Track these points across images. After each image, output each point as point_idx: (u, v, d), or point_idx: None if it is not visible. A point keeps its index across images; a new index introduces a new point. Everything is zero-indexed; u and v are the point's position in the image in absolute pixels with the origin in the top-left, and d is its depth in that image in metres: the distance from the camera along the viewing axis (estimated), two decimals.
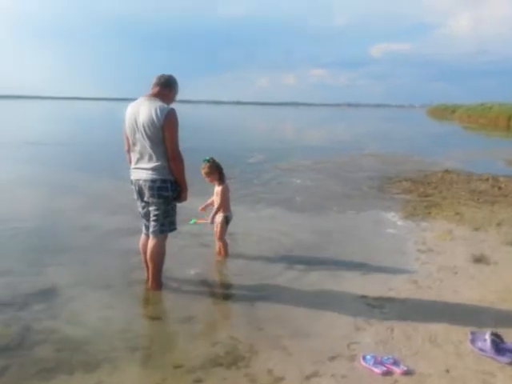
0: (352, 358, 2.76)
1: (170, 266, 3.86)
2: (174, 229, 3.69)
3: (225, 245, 4.49)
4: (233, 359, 2.68)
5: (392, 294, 3.73)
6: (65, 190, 7.74)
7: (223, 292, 3.82)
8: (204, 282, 3.91)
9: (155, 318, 3.24)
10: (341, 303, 3.56)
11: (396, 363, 2.69)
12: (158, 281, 3.62)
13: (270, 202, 7.02)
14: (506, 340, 2.93)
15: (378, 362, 2.69)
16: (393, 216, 6.29)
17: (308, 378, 2.56)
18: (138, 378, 2.52)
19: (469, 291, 3.77)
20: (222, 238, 4.46)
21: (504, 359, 2.75)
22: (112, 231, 5.23)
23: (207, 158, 4.35)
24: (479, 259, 4.52)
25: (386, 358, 2.73)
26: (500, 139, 22.89)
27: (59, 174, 9.42)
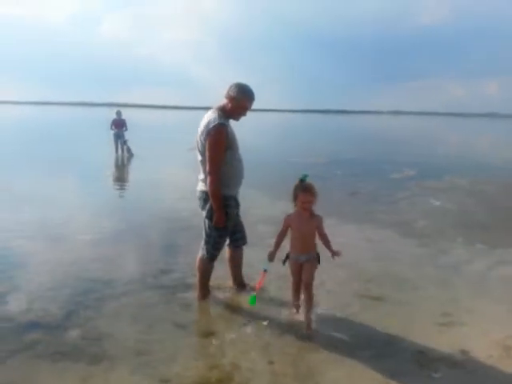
0: None
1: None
2: (207, 256, 3.53)
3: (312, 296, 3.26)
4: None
5: (460, 357, 2.91)
6: None
7: (258, 317, 3.46)
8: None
9: (179, 325, 3.27)
10: (387, 354, 2.96)
11: None
12: (200, 291, 3.65)
13: (383, 224, 6.31)
14: None
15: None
16: None
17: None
18: (123, 383, 2.59)
19: None
20: (311, 284, 3.21)
21: None
22: None
23: (304, 175, 3.15)
24: None
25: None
26: None
27: None
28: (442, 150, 19.44)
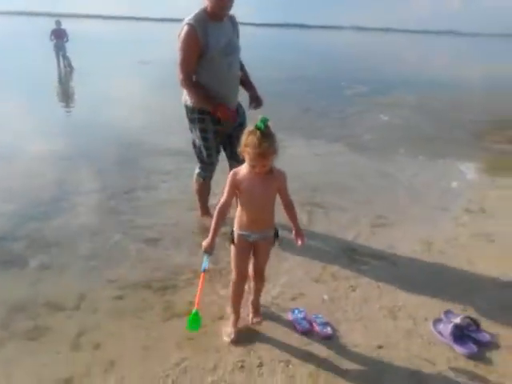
0: (286, 310, 2.53)
1: None
2: (198, 172, 3.39)
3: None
4: (163, 286, 2.69)
5: (389, 252, 3.23)
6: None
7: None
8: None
9: (151, 240, 3.30)
10: (322, 250, 3.23)
11: (324, 325, 2.38)
12: (201, 209, 3.61)
13: (331, 138, 6.49)
14: (483, 329, 2.36)
15: (305, 319, 2.42)
16: (467, 168, 5.30)
17: (220, 318, 2.44)
18: (70, 286, 2.68)
19: (487, 265, 3.05)
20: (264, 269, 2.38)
21: (461, 349, 2.22)
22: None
23: (264, 119, 1.98)
24: None
25: (317, 316, 2.44)
26: None
27: None
28: (396, 67, 19.54)
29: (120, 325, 2.35)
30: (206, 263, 2.18)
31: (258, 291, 2.43)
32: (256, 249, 2.25)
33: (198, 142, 3.23)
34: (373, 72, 16.49)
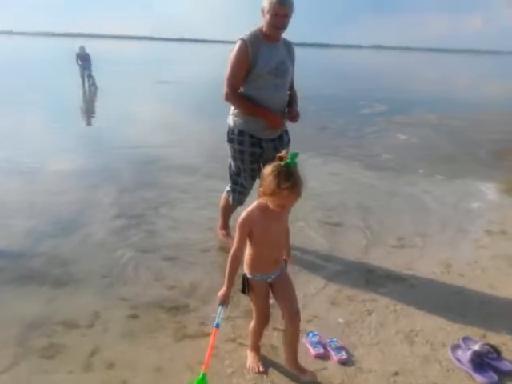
0: (300, 333, 2.49)
1: None
2: (228, 190, 3.36)
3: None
4: (176, 306, 2.69)
5: (407, 274, 3.16)
6: None
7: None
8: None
9: (144, 250, 3.40)
10: (339, 272, 3.18)
11: (339, 349, 2.33)
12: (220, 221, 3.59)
13: (348, 157, 6.47)
14: (504, 357, 2.27)
15: (319, 343, 2.38)
16: (488, 188, 5.19)
17: (233, 340, 2.41)
18: (85, 303, 2.69)
19: (509, 289, 2.96)
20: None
21: (481, 378, 2.14)
22: None
23: (296, 155, 1.82)
24: None
25: (332, 340, 2.39)
26: None
27: None
28: (416, 86, 19.44)
29: (133, 344, 2.35)
30: (219, 318, 2.01)
31: (295, 336, 2.09)
32: (277, 286, 2.07)
33: (234, 163, 3.21)
34: (392, 91, 16.48)
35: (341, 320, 2.62)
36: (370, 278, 3.10)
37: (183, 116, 9.34)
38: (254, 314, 2.14)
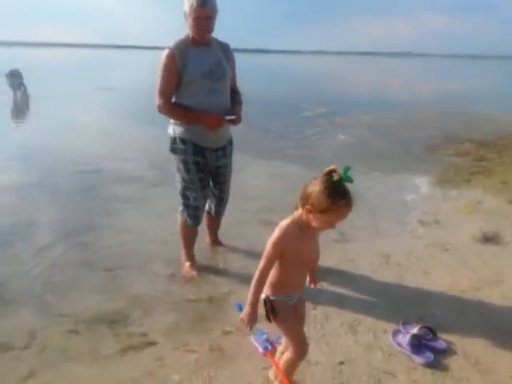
0: (248, 333, 2.50)
1: None
2: (182, 210, 3.14)
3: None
4: (119, 318, 2.60)
5: (347, 266, 3.29)
6: None
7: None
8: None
9: (110, 270, 3.21)
10: None
11: None
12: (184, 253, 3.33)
13: (291, 159, 6.61)
14: (440, 336, 2.42)
15: (268, 340, 2.40)
16: (422, 181, 5.51)
17: (184, 345, 2.38)
18: (20, 324, 2.53)
19: (442, 275, 3.16)
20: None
21: (419, 359, 2.26)
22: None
23: (348, 168, 1.68)
24: (490, 238, 3.76)
25: (279, 336, 2.41)
26: None
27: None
28: (353, 89, 20.30)
29: (74, 362, 2.24)
30: (263, 340, 2.10)
31: (295, 368, 2.00)
32: (296, 310, 1.91)
33: (180, 176, 3.05)
34: (331, 94, 17.07)
35: None
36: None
37: (122, 123, 9.08)
38: (291, 345, 1.87)
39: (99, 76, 23.55)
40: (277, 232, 1.77)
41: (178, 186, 3.10)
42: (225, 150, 3.11)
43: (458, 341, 2.42)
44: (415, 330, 2.39)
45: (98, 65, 38.82)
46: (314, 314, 2.68)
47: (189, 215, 3.11)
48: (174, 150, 3.02)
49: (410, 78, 31.87)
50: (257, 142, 7.69)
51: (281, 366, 1.96)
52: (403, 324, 2.53)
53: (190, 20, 2.79)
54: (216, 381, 2.14)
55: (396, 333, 2.46)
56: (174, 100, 2.95)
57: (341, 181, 1.63)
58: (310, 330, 2.53)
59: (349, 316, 2.67)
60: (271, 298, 1.83)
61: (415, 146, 7.60)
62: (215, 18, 2.87)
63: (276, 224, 4.14)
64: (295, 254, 1.77)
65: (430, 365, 2.23)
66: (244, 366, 2.24)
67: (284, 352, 1.99)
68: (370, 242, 3.72)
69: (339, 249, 3.59)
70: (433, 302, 2.82)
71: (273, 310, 1.82)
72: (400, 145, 7.80)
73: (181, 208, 3.15)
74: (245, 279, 3.07)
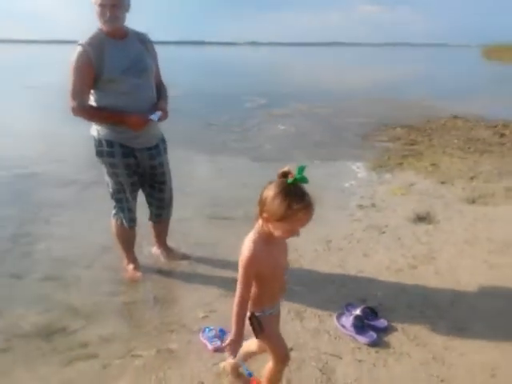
0: (197, 330, 2.47)
1: None
2: (116, 212, 2.98)
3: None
4: (57, 329, 2.47)
5: (292, 254, 3.33)
6: None
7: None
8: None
9: (46, 280, 3.02)
10: (230, 263, 3.23)
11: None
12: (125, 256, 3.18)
13: (234, 151, 6.60)
14: (380, 316, 2.54)
15: (217, 336, 2.39)
16: (358, 167, 5.74)
17: (130, 351, 2.31)
18: None
19: (380, 256, 3.31)
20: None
21: (362, 339, 2.36)
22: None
23: (304, 167, 1.57)
24: (423, 218, 3.99)
25: (228, 331, 2.42)
26: None
27: None
28: (290, 79, 20.60)
29: (8, 382, 2.10)
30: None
31: (279, 377, 1.91)
32: (274, 321, 1.82)
33: (110, 180, 2.86)
34: (269, 85, 17.17)
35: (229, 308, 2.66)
36: None
37: (54, 123, 8.53)
38: (272, 356, 1.80)
39: (30, 73, 21.99)
40: (244, 254, 1.61)
41: (109, 189, 2.93)
42: (158, 148, 2.95)
43: (397, 318, 2.56)
44: (358, 312, 2.49)
45: (30, 62, 36.25)
46: None
47: (125, 218, 2.97)
48: (100, 154, 2.81)
49: (341, 67, 32.94)
50: (199, 136, 7.60)
51: (266, 375, 1.87)
52: (347, 306, 2.62)
53: (96, 8, 2.60)
54: (166, 383, 2.09)
55: (340, 315, 2.55)
56: (92, 100, 2.74)
57: (295, 182, 1.50)
58: None
59: (295, 303, 2.72)
60: (257, 314, 1.72)
61: (350, 134, 7.88)
62: (123, 8, 2.66)
63: (223, 218, 4.20)
64: (270, 270, 1.65)
65: (373, 343, 2.33)
66: (194, 364, 2.21)
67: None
68: (312, 229, 3.78)
69: None
70: (374, 283, 2.95)
71: (260, 326, 1.71)
72: (336, 133, 8.04)
73: (114, 211, 2.99)
74: (191, 277, 3.06)
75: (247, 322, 1.71)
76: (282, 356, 1.80)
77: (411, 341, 2.37)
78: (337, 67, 33.65)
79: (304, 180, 1.51)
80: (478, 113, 9.57)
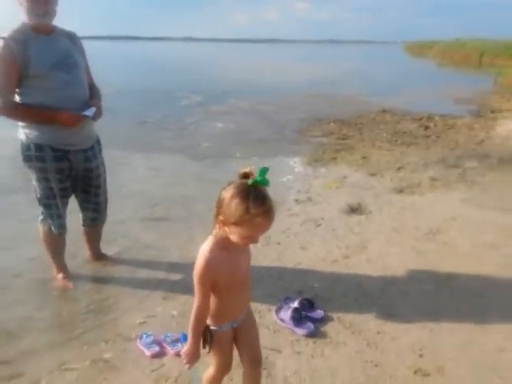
0: (134, 338, 2.39)
1: None
2: (44, 217, 2.81)
3: None
4: None
5: None
6: None
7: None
8: None
9: None
10: (167, 264, 3.18)
11: (174, 342, 2.33)
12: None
13: (170, 150, 6.47)
14: (317, 306, 2.62)
15: (154, 342, 2.33)
16: (295, 162, 5.86)
17: (61, 365, 2.19)
18: None
19: (317, 248, 3.42)
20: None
21: (301, 331, 2.42)
22: None
23: (266, 170, 1.46)
24: (355, 209, 4.16)
25: (166, 335, 2.37)
26: (466, 76, 22.23)
27: None
28: (229, 76, 20.57)
29: None
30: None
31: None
32: (240, 328, 1.70)
33: (39, 185, 2.68)
34: (206, 81, 17.04)
35: (174, 312, 2.61)
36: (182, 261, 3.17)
37: None
38: (214, 364, 1.73)
39: None
40: (199, 262, 1.49)
41: (37, 194, 2.75)
42: (93, 150, 2.82)
43: (333, 307, 2.65)
44: (296, 304, 2.55)
45: None
46: None
47: (55, 225, 2.80)
48: (28, 159, 2.63)
49: (280, 64, 33.48)
50: (133, 135, 7.36)
51: (205, 379, 1.81)
52: (285, 300, 2.67)
53: (25, 3, 2.45)
54: None
55: (279, 309, 2.59)
56: (18, 99, 2.56)
57: (256, 184, 1.41)
58: None
59: None
60: (212, 328, 1.62)
61: (287, 130, 8.02)
62: (55, 2, 2.55)
63: (160, 219, 4.10)
64: (229, 278, 1.53)
65: (311, 334, 2.40)
66: (131, 373, 2.14)
67: None
68: None
69: None
70: (310, 275, 3.03)
71: (210, 340, 1.62)
72: (274, 129, 8.15)
73: (41, 217, 2.81)
74: (128, 282, 2.96)
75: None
76: (222, 367, 1.75)
77: (347, 329, 2.47)
78: (275, 64, 34.12)
79: (265, 182, 1.42)
80: (405, 107, 10.17)
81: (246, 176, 1.43)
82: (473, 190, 4.64)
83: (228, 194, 1.42)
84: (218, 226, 1.48)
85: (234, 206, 1.39)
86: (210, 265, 1.47)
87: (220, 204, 1.44)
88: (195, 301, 1.54)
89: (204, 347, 1.64)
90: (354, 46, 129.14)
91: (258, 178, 1.40)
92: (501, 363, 2.22)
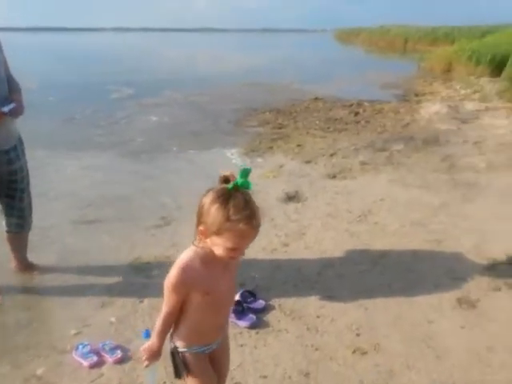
0: (69, 350, 2.28)
1: None
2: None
3: None
4: None
5: (172, 251, 3.28)
6: None
7: None
8: None
9: None
10: (105, 270, 3.05)
11: (113, 350, 2.24)
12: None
13: (101, 147, 6.17)
14: (259, 297, 2.65)
15: (91, 351, 2.23)
16: (232, 153, 5.85)
17: None
18: None
19: (258, 238, 3.33)
20: None
21: (243, 323, 2.44)
22: None
23: (248, 171, 1.36)
24: (292, 197, 4.25)
25: (104, 343, 2.28)
26: (392, 62, 23.35)
27: None
28: (162, 66, 20.00)
29: None
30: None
31: None
32: (212, 356, 1.53)
33: None
34: (138, 73, 16.42)
35: (113, 319, 2.52)
36: (139, 266, 3.09)
37: None
38: None
39: None
40: (171, 272, 1.37)
41: None
42: (16, 150, 2.64)
43: (274, 296, 2.70)
44: (237, 297, 2.55)
45: None
46: (142, 308, 2.62)
47: None
48: None
49: (214, 54, 33.11)
50: (59, 133, 6.93)
51: None
52: None
53: None
54: None
55: None
56: None
57: (237, 188, 1.30)
58: (138, 325, 2.46)
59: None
60: (181, 349, 1.46)
61: (223, 121, 7.97)
62: None
63: (93, 221, 3.92)
64: (204, 295, 1.39)
65: (253, 326, 2.42)
66: None
67: None
68: (191, 221, 3.76)
69: (162, 234, 3.55)
70: (251, 266, 3.04)
71: (184, 365, 1.46)
72: (210, 120, 8.06)
73: None
74: (61, 292, 2.81)
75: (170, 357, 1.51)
76: None
77: (287, 316, 2.52)
78: (210, 53, 33.67)
79: (247, 185, 1.31)
80: (336, 94, 10.48)
81: (226, 180, 1.33)
82: (399, 171, 4.91)
83: (207, 200, 1.32)
84: (198, 237, 1.37)
85: (213, 212, 1.28)
86: (186, 273, 1.36)
87: (200, 212, 1.33)
88: (164, 307, 1.42)
89: (178, 376, 1.50)
90: (287, 35, 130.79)
91: (239, 181, 1.30)
92: (430, 335, 2.38)
